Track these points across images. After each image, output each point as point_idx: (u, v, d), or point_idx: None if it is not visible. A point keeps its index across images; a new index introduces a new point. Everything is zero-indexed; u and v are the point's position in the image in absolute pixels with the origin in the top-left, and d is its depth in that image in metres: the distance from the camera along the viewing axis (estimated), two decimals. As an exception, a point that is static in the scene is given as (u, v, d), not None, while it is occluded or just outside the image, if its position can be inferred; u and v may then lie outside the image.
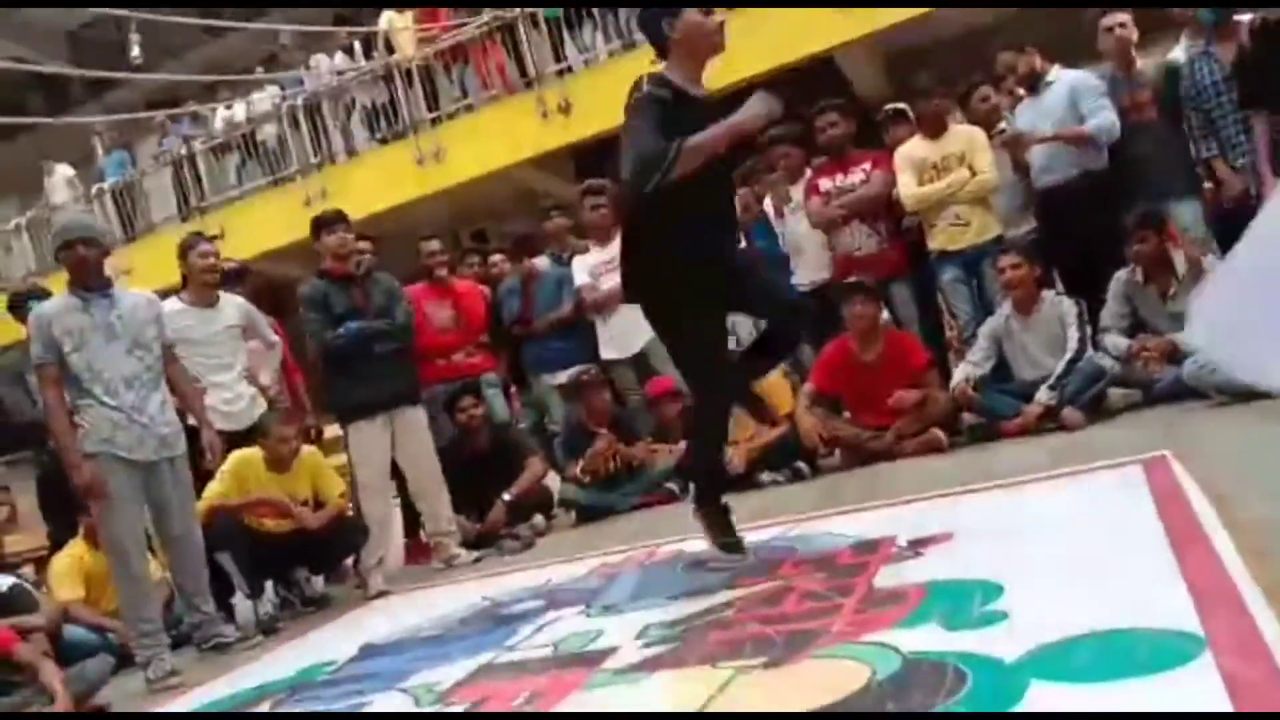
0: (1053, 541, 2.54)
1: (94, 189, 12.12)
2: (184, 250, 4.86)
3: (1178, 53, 4.95)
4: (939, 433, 4.46)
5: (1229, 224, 4.73)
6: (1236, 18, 4.52)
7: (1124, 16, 4.78)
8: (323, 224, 4.72)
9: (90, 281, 3.79)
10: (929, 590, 2.34)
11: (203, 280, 4.76)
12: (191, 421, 4.11)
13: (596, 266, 5.58)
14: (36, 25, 14.02)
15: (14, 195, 15.13)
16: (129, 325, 3.80)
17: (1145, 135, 4.76)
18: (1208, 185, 4.74)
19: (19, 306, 4.90)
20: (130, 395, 3.73)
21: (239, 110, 11.43)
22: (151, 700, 3.47)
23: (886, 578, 2.55)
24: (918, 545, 2.79)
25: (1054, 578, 2.22)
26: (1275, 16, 4.19)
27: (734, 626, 2.46)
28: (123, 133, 12.86)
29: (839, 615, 2.32)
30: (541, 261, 5.93)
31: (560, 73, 9.60)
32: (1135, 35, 4.84)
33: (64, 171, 12.37)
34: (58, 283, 8.55)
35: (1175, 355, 4.17)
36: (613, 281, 5.53)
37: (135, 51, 8.62)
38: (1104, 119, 4.72)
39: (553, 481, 5.53)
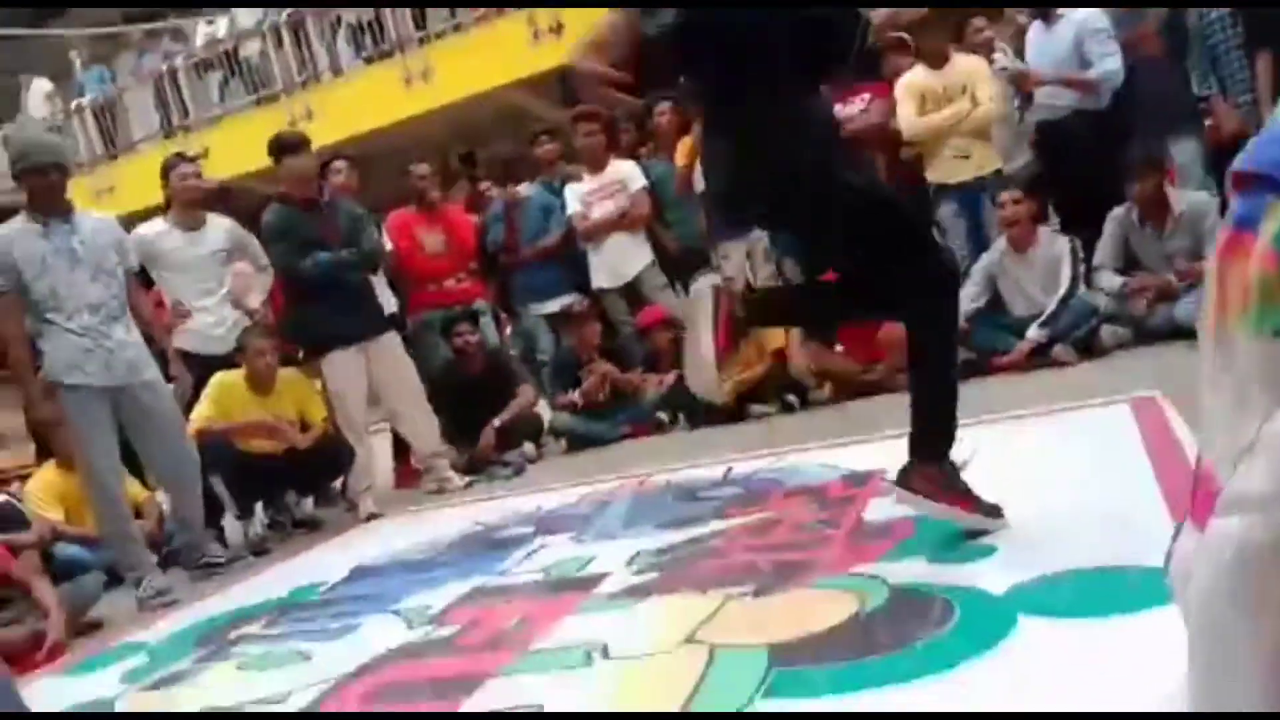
0: (1042, 478, 2.56)
1: (73, 104, 11.85)
2: (165, 171, 4.77)
3: None
4: (930, 367, 4.46)
5: (1226, 162, 4.73)
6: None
7: None
8: (285, 147, 4.54)
9: (54, 207, 3.68)
10: (917, 523, 2.36)
11: (186, 200, 4.67)
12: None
13: (589, 194, 5.52)
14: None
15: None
16: (91, 250, 3.69)
17: (1148, 71, 4.70)
18: (1207, 123, 4.70)
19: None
20: (94, 320, 3.66)
21: (221, 26, 11.13)
22: (142, 617, 3.50)
23: (875, 510, 2.57)
24: (907, 478, 2.80)
25: (1043, 514, 2.24)
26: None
27: (724, 555, 2.49)
28: (101, 47, 12.52)
29: (828, 546, 2.34)
30: (526, 187, 5.85)
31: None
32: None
33: (41, 86, 12.08)
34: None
35: (1169, 293, 4.17)
36: (604, 209, 5.49)
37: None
38: (1109, 66, 4.66)
39: (543, 409, 5.54)
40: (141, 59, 11.89)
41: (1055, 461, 2.71)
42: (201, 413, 4.35)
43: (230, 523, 4.65)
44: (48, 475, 4.52)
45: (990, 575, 1.92)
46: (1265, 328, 0.82)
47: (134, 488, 4.49)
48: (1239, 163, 0.89)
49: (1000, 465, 2.76)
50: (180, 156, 5.02)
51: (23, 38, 11.40)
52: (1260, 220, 0.83)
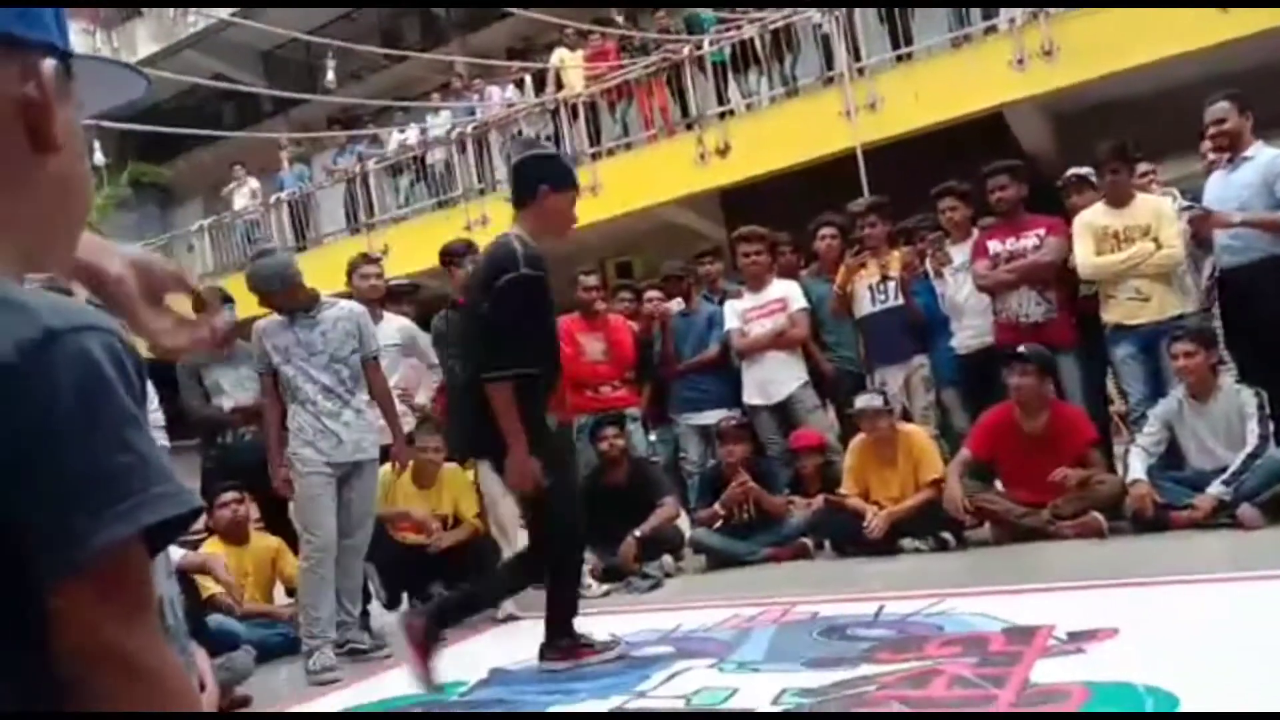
0: (1230, 652, 2.35)
1: (272, 199, 12.92)
2: (350, 270, 5.11)
3: None
4: (1099, 516, 4.22)
5: None
6: None
7: None
8: (452, 256, 4.84)
9: (296, 307, 4.14)
10: (1093, 691, 2.20)
11: (365, 299, 4.96)
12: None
13: (746, 311, 5.57)
14: (234, 44, 15.10)
15: (200, 198, 16.31)
16: (329, 341, 4.13)
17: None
18: None
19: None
20: (328, 404, 4.07)
21: (412, 134, 11.98)
22: (295, 694, 3.60)
23: (1044, 671, 2.41)
24: (1078, 639, 2.63)
25: (1234, 694, 2.05)
26: None
27: (878, 704, 2.37)
28: (304, 148, 13.68)
29: (992, 707, 2.20)
30: (676, 304, 5.96)
31: (721, 115, 9.69)
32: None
33: (252, 183, 13.27)
34: (235, 283, 9.10)
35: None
36: (761, 327, 5.52)
37: (330, 76, 9.15)
38: (1303, 204, 4.41)
39: (684, 523, 5.50)
40: (337, 159, 12.90)
41: (1244, 634, 2.48)
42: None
43: (377, 609, 4.76)
44: (212, 548, 4.77)
45: (1180, 762, 1.76)
46: None
47: (291, 563, 4.68)
48: None
49: (1183, 632, 2.57)
50: (365, 257, 5.36)
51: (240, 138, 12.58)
52: None
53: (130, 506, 0.64)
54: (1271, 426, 4.17)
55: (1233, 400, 4.26)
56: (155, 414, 5.14)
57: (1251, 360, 4.64)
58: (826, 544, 4.98)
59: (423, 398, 5.05)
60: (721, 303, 5.78)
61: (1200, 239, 4.73)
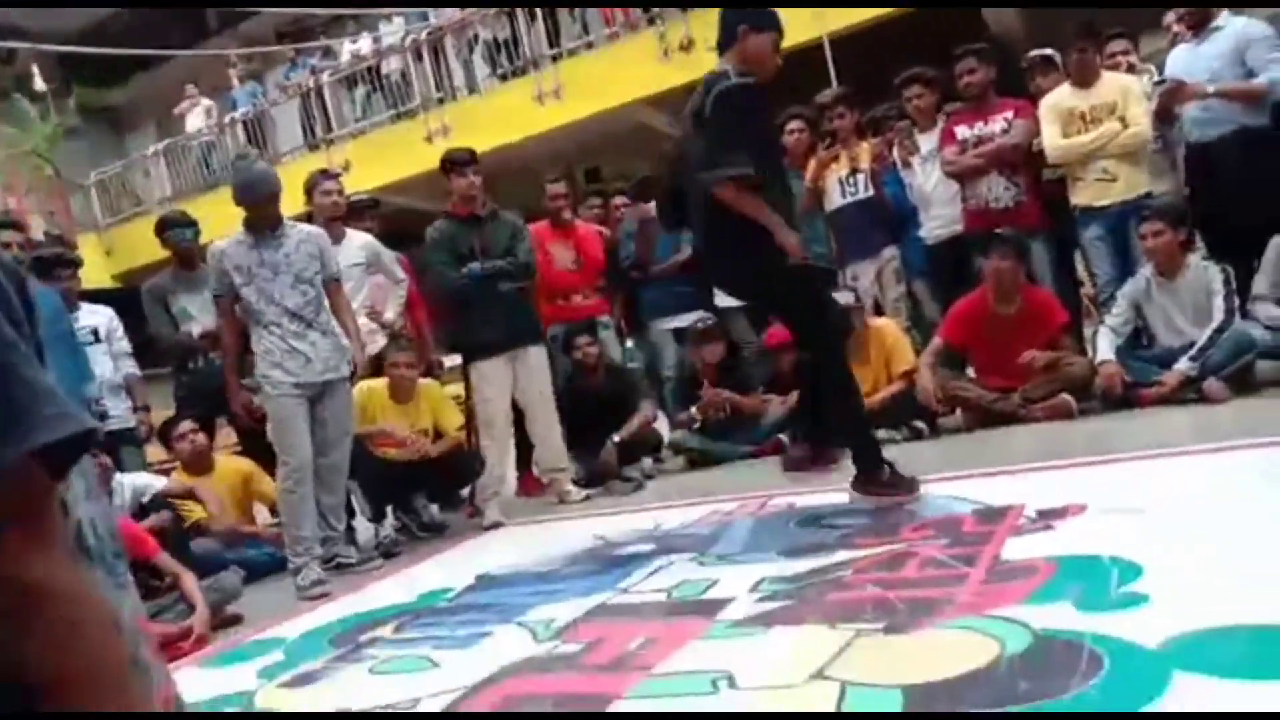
0: (1195, 523, 2.42)
1: (226, 119, 12.56)
2: (309, 188, 5.00)
3: None
4: (1069, 398, 4.28)
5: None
6: None
7: None
8: (453, 164, 4.76)
9: (265, 226, 4.09)
10: (1060, 565, 2.26)
11: (327, 216, 4.88)
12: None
13: (717, 212, 5.51)
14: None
15: (152, 121, 15.83)
16: (294, 262, 4.09)
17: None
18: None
19: (166, 231, 5.11)
20: (293, 325, 4.04)
21: (365, 44, 11.62)
22: (285, 610, 3.65)
23: (1014, 549, 2.48)
24: (1047, 516, 2.70)
25: (1198, 562, 2.12)
26: None
27: (852, 587, 2.43)
28: (254, 65, 13.25)
29: (964, 585, 2.26)
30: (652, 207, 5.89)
31: (683, 8, 9.42)
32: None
33: (205, 103, 12.88)
34: (195, 206, 8.91)
35: (1336, 329, 3.89)
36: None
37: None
38: (1277, 74, 4.37)
39: (663, 425, 5.56)
40: (290, 74, 12.51)
41: (1209, 505, 2.55)
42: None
43: (362, 524, 4.82)
44: (180, 478, 4.78)
45: (1142, 626, 1.82)
46: None
47: (267, 484, 4.73)
48: None
49: (1149, 506, 2.63)
50: (324, 173, 5.24)
51: (186, 57, 12.15)
52: None
53: (21, 430, 0.63)
54: (1237, 301, 4.21)
55: (1200, 277, 4.29)
56: (121, 342, 5.09)
57: (1219, 235, 4.66)
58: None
59: (391, 314, 5.01)
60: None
61: (1166, 115, 4.69)
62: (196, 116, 12.87)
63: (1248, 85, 4.41)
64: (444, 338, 5.00)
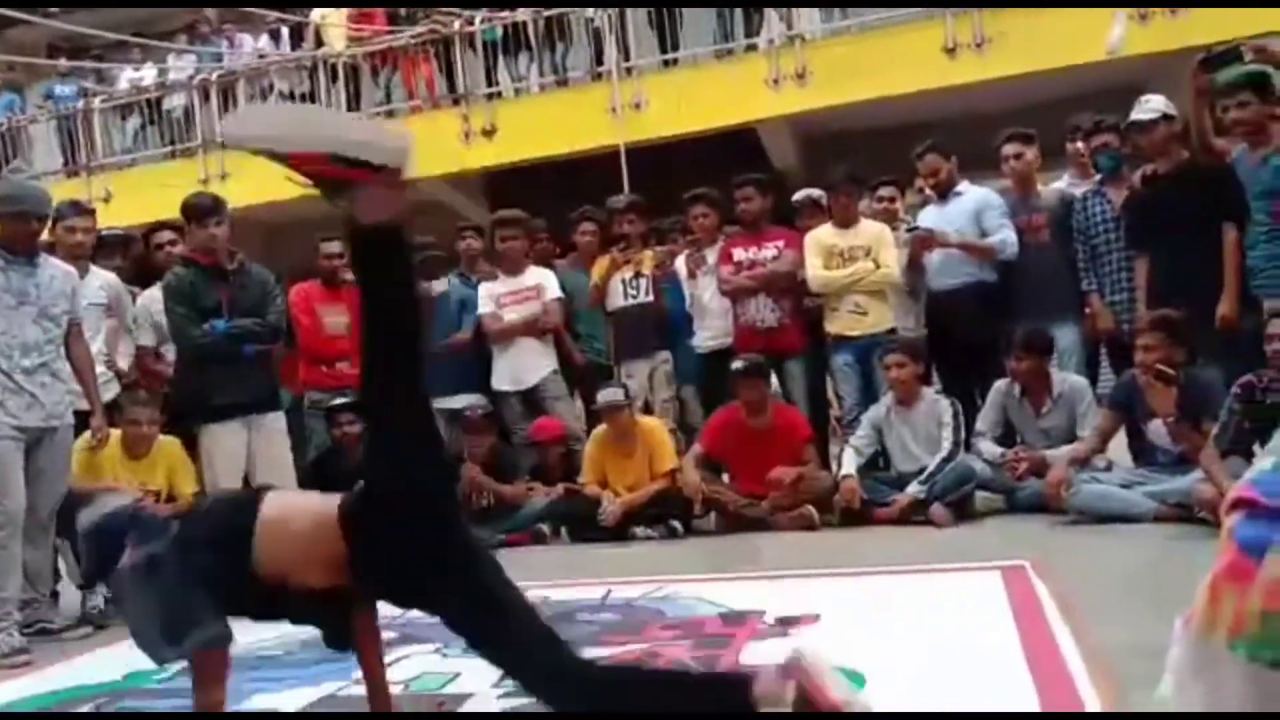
0: (915, 638, 2.61)
1: (-29, 126, 11.36)
2: (55, 219, 4.54)
3: (1059, 185, 5.31)
4: (812, 510, 4.57)
5: (1098, 351, 5.09)
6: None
7: (1021, 147, 5.06)
8: (201, 212, 4.38)
9: (24, 250, 3.73)
10: (793, 672, 2.36)
11: (70, 254, 4.45)
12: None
13: (502, 296, 5.55)
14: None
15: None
16: (44, 295, 3.75)
17: (1037, 257, 5.02)
18: (1087, 311, 5.02)
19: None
20: (26, 361, 3.67)
21: (149, 73, 10.94)
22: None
23: (752, 653, 2.57)
24: (785, 623, 2.82)
25: (914, 677, 2.27)
26: (1163, 169, 4.51)
27: (596, 686, 2.42)
28: (18, 74, 12.14)
29: (702, 688, 2.31)
30: (440, 284, 5.83)
31: (490, 96, 9.55)
32: (1036, 163, 5.14)
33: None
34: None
35: (1042, 469, 4.39)
36: (516, 313, 5.51)
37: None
38: (1007, 236, 4.99)
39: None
40: (55, 92, 11.53)
41: (928, 623, 2.76)
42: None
43: (67, 590, 4.31)
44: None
45: (859, 735, 1.92)
46: (1262, 657, 0.88)
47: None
48: (1245, 487, 0.95)
49: (876, 619, 2.82)
50: (74, 206, 4.80)
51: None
52: (1266, 552, 0.89)
53: None
54: (964, 435, 4.67)
55: (933, 409, 4.74)
56: None
57: (952, 374, 5.19)
58: (564, 531, 5.07)
59: (123, 362, 4.62)
60: (476, 286, 5.71)
61: (915, 262, 5.21)
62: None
63: (983, 243, 5.01)
64: (175, 396, 4.60)
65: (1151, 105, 4.54)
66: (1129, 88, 6.06)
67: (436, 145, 9.43)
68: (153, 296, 4.70)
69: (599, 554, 4.48)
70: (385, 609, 3.46)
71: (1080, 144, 5.24)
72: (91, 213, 4.83)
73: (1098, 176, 5.03)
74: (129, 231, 5.66)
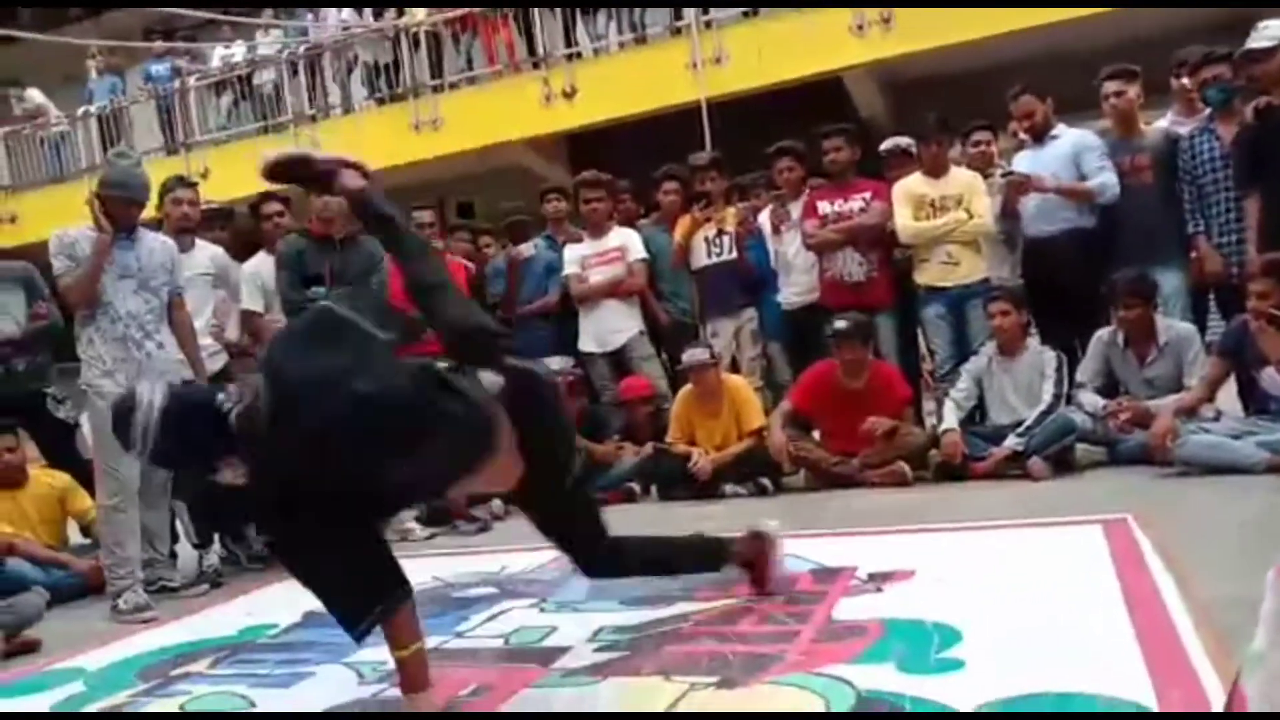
0: (1013, 592, 2.56)
1: (79, 111, 11.85)
2: (162, 194, 4.76)
3: (1163, 123, 5.04)
4: (905, 466, 4.49)
5: (1206, 298, 4.85)
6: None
7: (1123, 85, 4.82)
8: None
9: (123, 227, 3.88)
10: (887, 627, 2.36)
11: (177, 226, 4.66)
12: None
13: (587, 258, 5.58)
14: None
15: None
16: (144, 268, 3.91)
17: (1139, 199, 4.80)
18: (1193, 255, 4.80)
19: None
20: (132, 331, 3.84)
21: (238, 51, 11.23)
22: (95, 635, 3.40)
23: (845, 609, 2.56)
24: (878, 579, 2.80)
25: (1012, 630, 2.24)
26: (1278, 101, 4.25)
27: (690, 640, 2.46)
28: (117, 58, 12.58)
29: (795, 643, 2.32)
30: (528, 247, 5.90)
31: (569, 57, 9.54)
32: (1138, 100, 4.90)
33: (34, 96, 12.11)
34: (40, 197, 8.29)
35: (1145, 420, 4.23)
36: (600, 274, 5.53)
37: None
38: (1106, 178, 4.78)
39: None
40: (152, 73, 11.92)
41: (1027, 576, 2.70)
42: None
43: (185, 549, 4.55)
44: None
45: (958, 690, 1.91)
46: None
47: (84, 501, 4.43)
48: None
49: (972, 575, 2.77)
50: (180, 180, 5.01)
51: (40, 41, 11.41)
52: None
53: None
54: (1066, 387, 4.53)
55: (1037, 360, 4.60)
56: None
57: (1051, 324, 5.01)
58: (654, 489, 5.11)
59: (233, 333, 4.80)
60: (561, 248, 5.75)
61: (1009, 209, 5.04)
62: (30, 105, 12.06)
63: (1082, 186, 4.81)
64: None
65: (1270, 32, 4.24)
66: (1233, 23, 5.70)
67: (518, 109, 9.51)
68: (260, 262, 4.89)
69: (688, 511, 4.50)
70: (480, 566, 3.55)
71: (1187, 80, 4.97)
72: (195, 186, 5.01)
73: (1206, 112, 4.77)
74: (228, 205, 5.85)
